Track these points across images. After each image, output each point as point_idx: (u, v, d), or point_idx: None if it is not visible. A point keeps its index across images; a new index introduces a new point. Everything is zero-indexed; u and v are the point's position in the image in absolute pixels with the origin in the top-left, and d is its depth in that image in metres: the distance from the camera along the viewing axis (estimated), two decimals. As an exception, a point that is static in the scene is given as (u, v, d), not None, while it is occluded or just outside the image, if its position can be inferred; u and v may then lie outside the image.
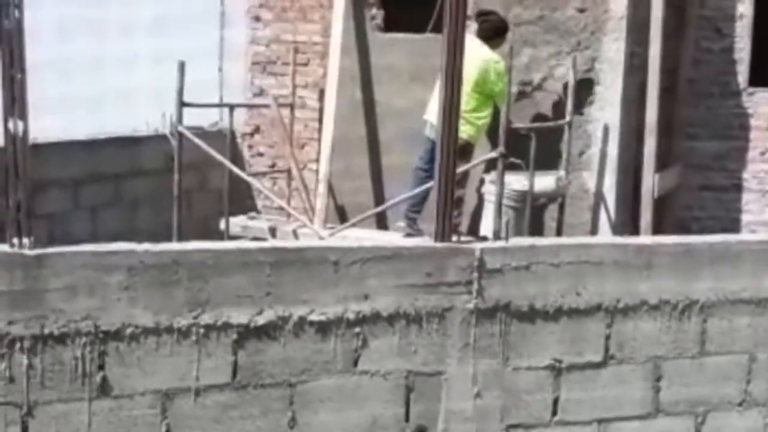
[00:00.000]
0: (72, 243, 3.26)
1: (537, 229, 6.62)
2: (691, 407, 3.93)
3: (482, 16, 6.73)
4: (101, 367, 3.20)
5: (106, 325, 3.19)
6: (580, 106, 6.86)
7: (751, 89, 8.21)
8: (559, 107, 6.87)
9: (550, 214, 6.86)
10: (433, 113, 6.72)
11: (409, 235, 6.62)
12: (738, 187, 8.28)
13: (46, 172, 6.28)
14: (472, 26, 6.70)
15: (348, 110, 7.39)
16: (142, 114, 7.29)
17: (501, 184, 5.82)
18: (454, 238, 3.68)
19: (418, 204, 6.71)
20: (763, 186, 8.21)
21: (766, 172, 8.22)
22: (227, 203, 6.96)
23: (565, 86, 6.78)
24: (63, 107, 7.80)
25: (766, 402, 4.02)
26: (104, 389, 3.21)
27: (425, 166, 6.73)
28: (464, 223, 6.78)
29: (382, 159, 7.44)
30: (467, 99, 6.30)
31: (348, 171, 7.46)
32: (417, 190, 6.51)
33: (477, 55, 6.29)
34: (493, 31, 6.66)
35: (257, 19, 7.97)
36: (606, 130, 6.86)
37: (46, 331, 3.13)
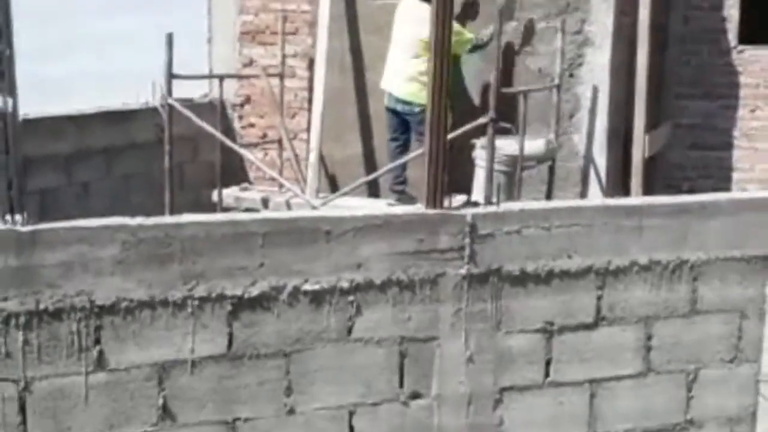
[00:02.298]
0: (64, 219, 3.25)
1: (528, 193, 6.63)
2: (683, 365, 3.97)
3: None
4: (97, 342, 3.21)
5: (100, 299, 3.20)
6: (570, 69, 6.84)
7: (741, 47, 8.19)
8: (548, 70, 6.85)
9: (541, 177, 6.87)
10: (389, 82, 6.74)
11: (400, 201, 6.64)
12: (728, 145, 8.29)
13: (37, 148, 6.26)
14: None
15: (338, 79, 7.35)
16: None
17: (492, 149, 5.82)
18: (446, 204, 3.69)
19: (399, 175, 6.76)
20: (753, 144, 8.22)
21: (756, 129, 8.22)
22: (219, 175, 6.95)
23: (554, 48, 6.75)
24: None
25: (756, 358, 4.06)
26: (100, 363, 3.23)
27: (394, 136, 6.77)
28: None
29: (373, 127, 7.43)
30: (419, 61, 6.30)
31: (339, 140, 7.45)
32: (394, 164, 6.56)
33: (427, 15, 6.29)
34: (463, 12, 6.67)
35: (245, -12, 7.91)
36: (595, 91, 6.85)
37: (41, 306, 3.14)
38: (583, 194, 6.85)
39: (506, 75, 6.80)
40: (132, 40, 7.41)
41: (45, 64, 7.49)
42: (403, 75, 6.58)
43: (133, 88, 7.22)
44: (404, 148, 6.76)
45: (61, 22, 7.67)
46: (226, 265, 3.33)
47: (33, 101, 5.99)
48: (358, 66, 7.36)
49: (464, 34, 6.61)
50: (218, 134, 6.75)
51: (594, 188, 6.90)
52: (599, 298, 3.82)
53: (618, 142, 7.20)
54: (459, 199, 6.07)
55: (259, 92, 7.87)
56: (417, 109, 6.43)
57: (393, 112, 6.78)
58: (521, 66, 6.95)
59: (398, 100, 6.66)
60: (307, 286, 3.43)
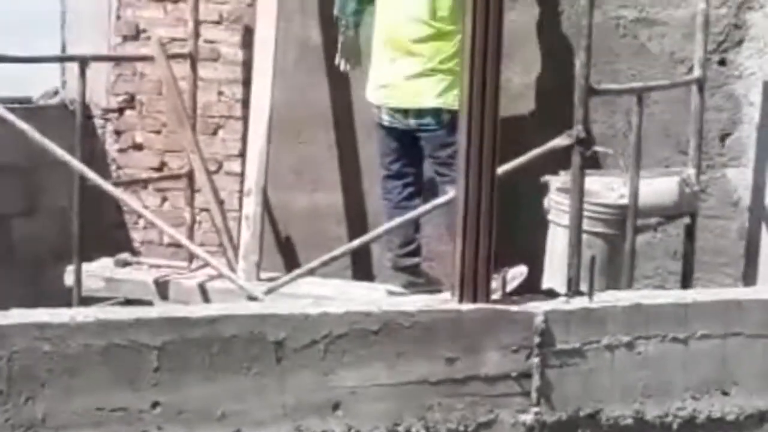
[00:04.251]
0: None
1: (647, 274, 6.66)
2: None
3: None
4: None
5: None
6: (720, 51, 6.92)
7: None
8: (679, 55, 6.93)
9: (671, 244, 6.90)
10: (375, 90, 6.80)
11: (411, 287, 6.67)
12: None
13: None
14: None
15: (296, 64, 7.42)
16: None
17: (580, 194, 5.85)
18: (495, 295, 3.70)
19: (408, 241, 6.78)
20: None
21: None
22: (78, 238, 6.97)
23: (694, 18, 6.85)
24: None
25: None
26: None
27: (394, 170, 6.79)
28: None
29: (361, 151, 7.48)
30: (431, 33, 6.48)
31: (299, 175, 7.49)
32: (397, 221, 6.56)
33: None
34: None
35: None
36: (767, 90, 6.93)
37: None
38: (747, 277, 6.88)
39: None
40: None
41: None
42: (407, 68, 6.61)
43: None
44: (415, 190, 6.80)
45: None
46: (90, 405, 3.34)
47: None
48: (329, 41, 7.43)
49: None
50: (76, 162, 6.78)
51: None
52: (782, 470, 3.85)
53: (810, 182, 7.27)
54: (515, 272, 6.09)
55: (154, 87, 7.94)
56: (446, 118, 6.47)
57: (390, 130, 6.81)
58: (626, 42, 7.04)
59: (405, 112, 6.66)
60: (240, 445, 3.44)
